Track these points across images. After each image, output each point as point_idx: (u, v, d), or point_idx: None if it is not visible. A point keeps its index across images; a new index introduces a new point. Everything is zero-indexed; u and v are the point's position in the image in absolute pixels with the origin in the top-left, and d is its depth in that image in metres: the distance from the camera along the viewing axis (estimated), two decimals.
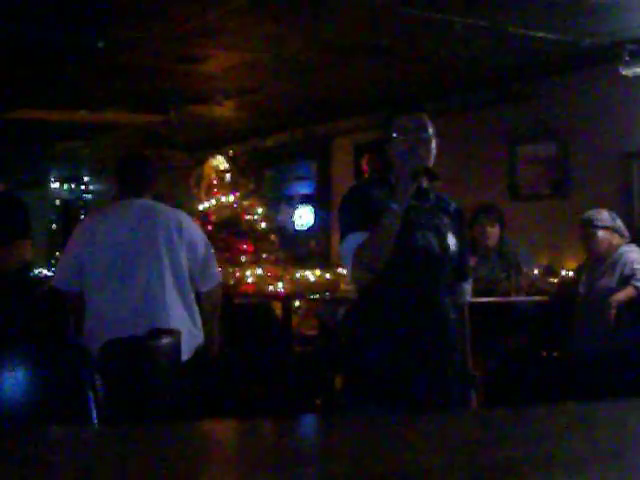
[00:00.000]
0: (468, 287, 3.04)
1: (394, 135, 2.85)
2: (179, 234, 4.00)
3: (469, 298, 3.05)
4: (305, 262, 8.57)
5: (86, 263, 3.92)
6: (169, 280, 3.99)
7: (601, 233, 4.98)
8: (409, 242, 2.77)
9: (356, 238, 2.76)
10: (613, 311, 4.80)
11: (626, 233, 5.04)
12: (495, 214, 5.57)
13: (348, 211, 2.90)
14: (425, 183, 2.85)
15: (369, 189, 2.92)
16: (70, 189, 12.71)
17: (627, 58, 5.73)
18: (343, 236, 2.84)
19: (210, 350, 4.24)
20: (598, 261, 5.05)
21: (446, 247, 2.85)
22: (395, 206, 2.67)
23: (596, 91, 6.37)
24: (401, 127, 2.85)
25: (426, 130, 2.84)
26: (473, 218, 5.38)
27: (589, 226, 5.02)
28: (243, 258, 8.34)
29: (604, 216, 5.02)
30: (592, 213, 5.08)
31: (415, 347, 2.78)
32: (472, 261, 4.85)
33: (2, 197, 5.11)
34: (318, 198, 9.18)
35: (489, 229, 5.49)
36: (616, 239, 4.99)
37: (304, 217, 9.38)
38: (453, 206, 2.99)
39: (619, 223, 5.03)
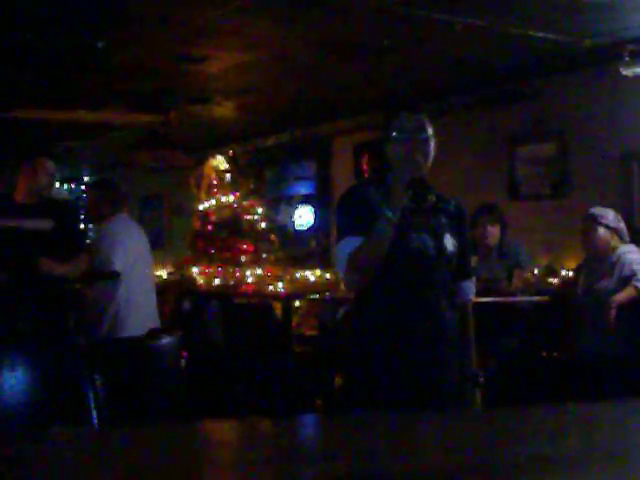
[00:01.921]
0: (471, 285, 3.03)
1: (393, 135, 2.85)
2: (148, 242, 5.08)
3: (472, 297, 3.04)
4: (305, 262, 8.57)
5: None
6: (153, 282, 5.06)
7: (602, 231, 4.97)
8: (404, 244, 2.77)
9: (351, 242, 2.76)
10: (613, 311, 4.79)
11: (626, 237, 5.02)
12: (496, 214, 5.57)
13: (344, 213, 2.89)
14: (431, 196, 2.83)
15: (366, 190, 2.91)
16: (70, 189, 12.70)
17: (627, 58, 5.72)
18: (338, 239, 2.84)
19: None
20: (597, 262, 5.04)
21: (443, 248, 2.84)
22: (389, 213, 2.66)
23: (596, 91, 6.37)
24: (400, 127, 2.84)
25: (425, 130, 2.83)
26: (474, 218, 5.37)
27: (592, 222, 5.00)
28: (243, 258, 8.34)
29: (609, 215, 5.00)
30: (598, 210, 5.05)
31: (413, 347, 2.78)
32: (473, 261, 4.85)
33: (67, 204, 5.19)
34: (318, 198, 9.17)
35: (490, 229, 5.49)
36: (615, 241, 4.97)
37: (304, 217, 9.37)
38: (453, 204, 2.97)
39: (622, 226, 5.01)
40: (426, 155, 2.82)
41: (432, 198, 2.74)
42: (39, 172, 4.63)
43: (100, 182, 5.71)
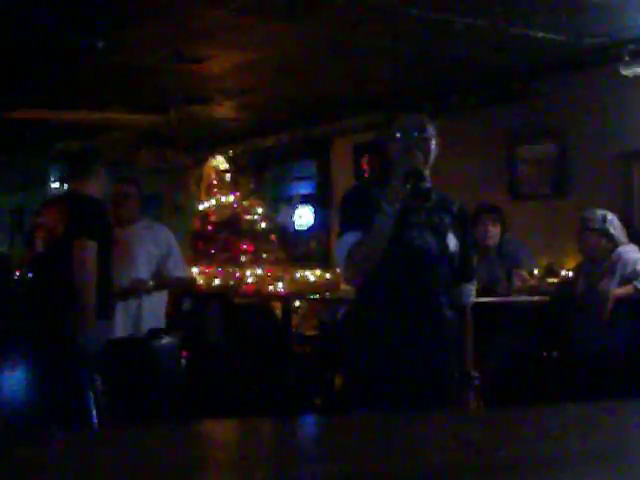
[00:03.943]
0: (472, 288, 3.02)
1: (395, 135, 2.87)
2: None
3: (472, 299, 3.03)
4: (305, 262, 8.57)
5: None
6: None
7: (588, 234, 4.98)
8: (405, 241, 2.78)
9: (351, 238, 2.78)
10: (610, 305, 4.78)
11: (619, 239, 4.96)
12: (496, 214, 5.57)
13: (346, 211, 2.92)
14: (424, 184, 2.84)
15: (368, 189, 2.94)
16: None
17: (627, 58, 5.72)
18: (339, 236, 2.87)
19: None
20: (595, 262, 5.03)
21: (445, 246, 2.85)
22: (388, 208, 2.68)
23: (596, 91, 6.36)
24: (401, 127, 2.86)
25: (425, 130, 2.85)
26: (474, 218, 5.37)
27: (580, 225, 5.04)
28: (243, 258, 8.35)
29: (596, 217, 4.99)
30: (586, 212, 5.07)
31: (411, 346, 2.78)
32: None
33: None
34: (318, 198, 9.17)
35: (491, 229, 5.48)
36: (604, 242, 4.94)
37: (304, 217, 9.37)
38: (457, 206, 2.98)
39: (608, 226, 4.94)
40: (426, 154, 2.83)
41: (425, 185, 2.74)
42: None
43: (134, 179, 5.19)
